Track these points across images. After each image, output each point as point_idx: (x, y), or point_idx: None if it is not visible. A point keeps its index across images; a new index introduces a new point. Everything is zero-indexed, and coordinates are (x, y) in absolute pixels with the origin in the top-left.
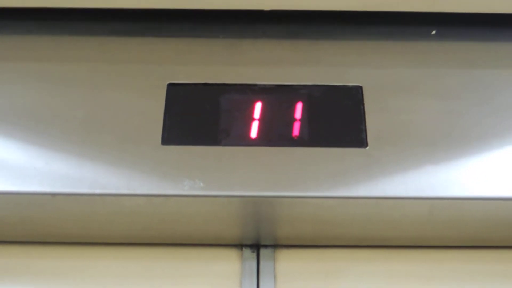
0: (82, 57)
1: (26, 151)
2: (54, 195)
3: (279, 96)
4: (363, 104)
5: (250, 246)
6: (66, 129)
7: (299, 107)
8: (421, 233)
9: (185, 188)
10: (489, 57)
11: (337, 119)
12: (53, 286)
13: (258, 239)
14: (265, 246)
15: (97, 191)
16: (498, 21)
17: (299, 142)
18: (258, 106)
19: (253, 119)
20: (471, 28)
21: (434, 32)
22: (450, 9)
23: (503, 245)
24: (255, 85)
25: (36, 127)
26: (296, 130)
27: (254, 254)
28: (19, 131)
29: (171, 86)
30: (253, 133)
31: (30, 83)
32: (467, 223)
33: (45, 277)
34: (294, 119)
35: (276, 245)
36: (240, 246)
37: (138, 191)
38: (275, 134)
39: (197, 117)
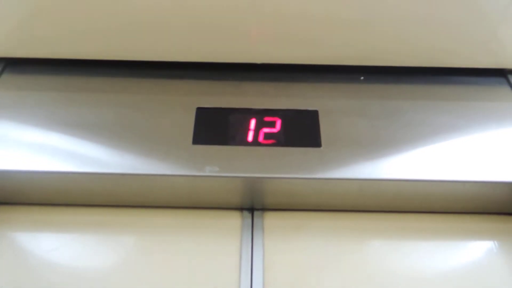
0: (140, 92)
1: (109, 149)
2: (124, 175)
3: (265, 116)
4: (318, 122)
5: (247, 209)
6: (131, 137)
7: (278, 122)
8: (355, 202)
9: (207, 171)
10: (400, 92)
11: (302, 130)
12: (111, 233)
13: (252, 205)
14: (257, 209)
15: (151, 172)
16: (403, 70)
17: (278, 143)
18: (252, 122)
19: (249, 129)
20: (389, 75)
21: (362, 78)
22: (373, 63)
23: (412, 210)
24: (251, 109)
25: (113, 134)
26: (276, 136)
27: (250, 215)
28: (103, 136)
29: (199, 109)
30: (249, 138)
31: (108, 106)
32: (384, 196)
33: (102, 229)
34: (275, 129)
35: (264, 209)
36: (240, 209)
37: (177, 173)
38: (263, 139)
39: (214, 127)
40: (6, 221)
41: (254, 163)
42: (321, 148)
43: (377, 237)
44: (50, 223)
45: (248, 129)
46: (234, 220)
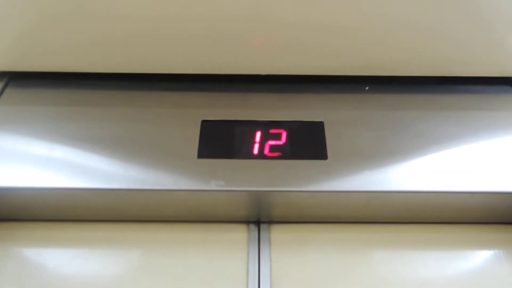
0: (144, 105)
1: (114, 163)
2: (129, 190)
3: (270, 128)
4: (324, 133)
5: (254, 222)
6: (136, 151)
7: (284, 134)
8: (362, 214)
9: (212, 185)
10: (406, 102)
11: (308, 142)
12: (123, 247)
13: (259, 218)
14: (264, 222)
15: (157, 187)
16: (409, 80)
17: (284, 156)
18: (258, 134)
19: (255, 142)
20: (394, 85)
21: (367, 87)
22: (378, 73)
23: (420, 221)
24: (256, 121)
25: (118, 148)
26: (282, 148)
27: (256, 228)
28: (108, 150)
29: (203, 122)
30: (255, 151)
31: (112, 120)
32: (392, 208)
33: (112, 244)
34: (281, 142)
35: (271, 222)
36: (247, 222)
37: (182, 187)
38: (269, 152)
39: (220, 140)
40: (12, 237)
41: (260, 176)
42: (327, 160)
43: (385, 248)
44: (56, 239)
45: (253, 142)
46: (240, 234)
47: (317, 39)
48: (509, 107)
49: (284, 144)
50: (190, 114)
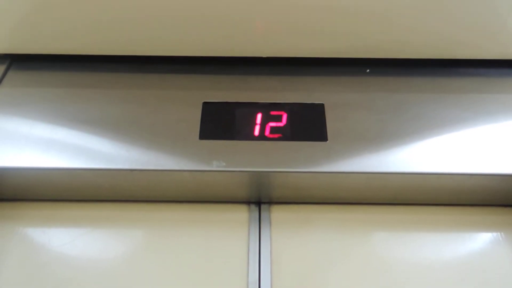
0: (146, 87)
1: (117, 145)
2: (132, 170)
3: (271, 110)
4: (324, 115)
5: (254, 203)
6: (138, 132)
7: (284, 116)
8: (362, 195)
9: (214, 166)
10: (406, 84)
11: (308, 124)
12: (129, 227)
13: (259, 198)
14: (264, 203)
15: (159, 168)
16: (410, 62)
17: (284, 137)
18: (259, 116)
19: (256, 124)
20: (395, 67)
21: (368, 70)
22: (379, 56)
23: (419, 203)
24: (257, 103)
25: (120, 130)
26: (282, 130)
27: (257, 208)
28: (110, 132)
29: (205, 104)
30: (256, 132)
31: (114, 102)
32: (391, 189)
33: (119, 223)
34: (281, 123)
35: (272, 202)
36: (248, 203)
37: (184, 168)
38: (269, 133)
39: (221, 122)
40: (17, 217)
41: (260, 157)
42: (327, 142)
43: (384, 229)
44: (60, 218)
45: (254, 124)
46: (241, 214)
47: (318, 21)
48: (511, 90)
49: (284, 125)
50: (191, 96)
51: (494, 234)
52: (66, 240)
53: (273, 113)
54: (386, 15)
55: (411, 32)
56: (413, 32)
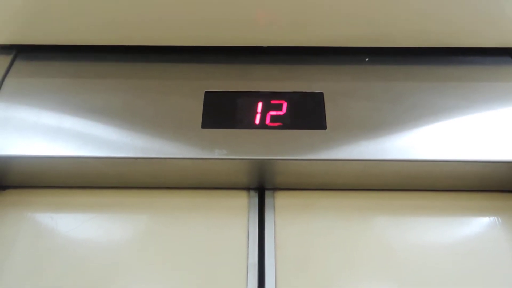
0: (149, 77)
1: (122, 133)
2: (136, 158)
3: (272, 99)
4: (323, 104)
5: (254, 189)
6: (142, 122)
7: (284, 105)
8: (361, 181)
9: (215, 154)
10: (404, 73)
11: (308, 112)
12: (132, 211)
13: (261, 185)
14: (268, 189)
15: (162, 156)
16: (409, 51)
17: (285, 126)
18: (259, 105)
19: (257, 112)
20: (394, 56)
21: (367, 59)
22: (378, 45)
23: (416, 189)
24: (258, 92)
25: (124, 119)
26: (282, 119)
27: (256, 194)
28: (115, 121)
29: (207, 93)
30: (257, 121)
31: (118, 91)
32: (388, 176)
33: (124, 209)
34: (281, 112)
35: (275, 188)
36: (247, 189)
37: (187, 156)
38: (270, 122)
39: (223, 111)
40: (26, 203)
41: (261, 145)
42: (327, 130)
43: (384, 214)
44: (67, 204)
45: (255, 112)
46: (241, 200)
47: (318, 11)
48: (508, 78)
49: (284, 114)
50: (194, 86)
51: (491, 218)
52: (73, 225)
53: (273, 101)
54: (385, 4)
55: (409, 21)
56: (412, 21)
